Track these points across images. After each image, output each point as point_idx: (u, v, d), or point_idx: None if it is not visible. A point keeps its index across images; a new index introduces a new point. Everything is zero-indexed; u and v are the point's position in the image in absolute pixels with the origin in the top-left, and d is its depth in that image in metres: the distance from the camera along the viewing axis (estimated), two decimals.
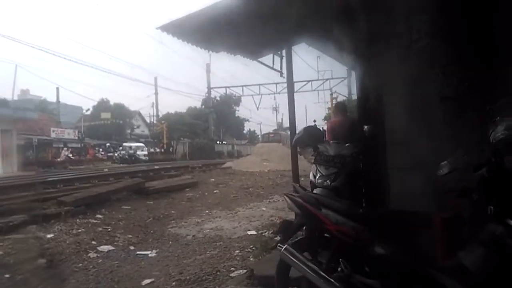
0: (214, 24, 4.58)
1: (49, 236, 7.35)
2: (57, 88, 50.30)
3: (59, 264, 6.04)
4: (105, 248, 6.96)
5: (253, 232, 7.68)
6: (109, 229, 8.21)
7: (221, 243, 7.08)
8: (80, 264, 6.07)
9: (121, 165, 34.13)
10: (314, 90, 34.33)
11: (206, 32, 4.92)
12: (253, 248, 6.31)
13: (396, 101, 3.29)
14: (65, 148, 44.11)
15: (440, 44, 3.05)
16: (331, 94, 32.95)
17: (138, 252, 6.78)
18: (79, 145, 45.83)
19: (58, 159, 38.99)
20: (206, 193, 13.80)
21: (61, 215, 8.49)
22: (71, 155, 42.37)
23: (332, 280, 2.74)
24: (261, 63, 6.58)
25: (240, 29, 4.75)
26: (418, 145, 3.12)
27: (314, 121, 6.26)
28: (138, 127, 61.93)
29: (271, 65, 6.46)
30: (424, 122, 3.11)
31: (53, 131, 44.89)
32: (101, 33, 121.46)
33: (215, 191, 14.27)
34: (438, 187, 2.89)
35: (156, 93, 53.79)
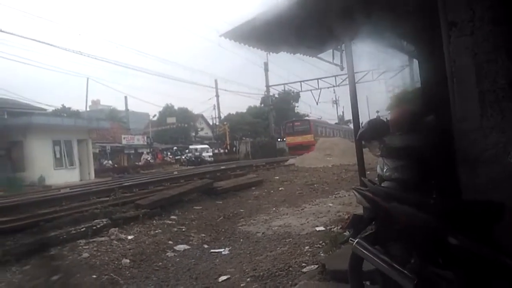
0: (273, 26, 4.70)
1: (129, 237, 7.85)
2: (125, 97, 53.21)
3: (141, 264, 6.47)
4: (181, 247, 7.34)
5: (322, 228, 7.73)
6: (183, 229, 8.63)
7: (291, 239, 7.20)
8: (160, 263, 6.46)
9: (189, 167, 35.29)
10: (375, 80, 33.44)
11: (266, 34, 5.06)
12: (323, 243, 6.37)
13: (463, 89, 3.23)
14: (145, 152, 46.55)
15: (505, 29, 2.97)
16: (390, 85, 31.87)
17: (212, 250, 7.10)
18: (148, 150, 48.07)
19: (139, 163, 41.18)
20: (272, 191, 13.99)
21: (139, 217, 9.01)
22: (150, 158, 44.64)
23: (406, 272, 2.76)
24: (321, 59, 6.62)
25: (299, 28, 4.84)
26: (488, 133, 3.04)
27: (377, 112, 6.19)
28: (202, 129, 63.76)
29: (331, 60, 6.48)
30: (493, 109, 3.03)
31: (124, 138, 47.49)
32: (162, 41, 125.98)
33: (280, 189, 14.42)
34: (510, 174, 2.82)
35: (217, 95, 55.00)
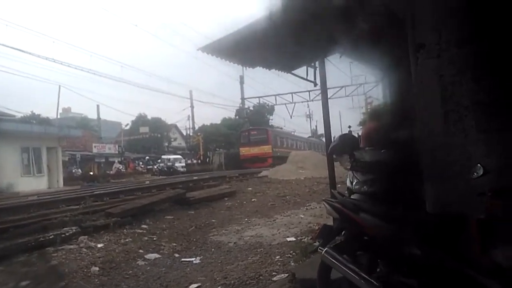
0: (250, 42, 4.84)
1: (99, 245, 7.78)
2: (97, 106, 52.34)
3: (111, 272, 6.42)
4: (152, 256, 7.31)
5: (293, 239, 7.85)
6: (154, 238, 8.59)
7: (262, 249, 7.29)
8: (130, 271, 6.43)
9: (161, 177, 34.98)
10: (348, 96, 34.14)
11: (243, 50, 5.20)
12: (293, 253, 6.49)
13: (429, 108, 3.41)
14: (116, 161, 45.78)
15: (470, 52, 3.16)
16: (366, 99, 32.64)
17: (183, 259, 7.10)
18: (119, 159, 47.36)
19: (110, 172, 40.49)
20: (245, 202, 14.06)
21: (109, 226, 8.93)
22: (121, 167, 43.90)
23: (372, 280, 2.89)
24: (295, 75, 6.80)
25: (274, 45, 4.99)
26: (452, 151, 3.22)
27: (349, 127, 6.42)
28: (175, 139, 63.34)
29: (305, 76, 6.67)
30: (457, 127, 3.21)
31: (95, 146, 46.67)
32: (140, 52, 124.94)
33: (253, 200, 14.51)
34: (472, 189, 2.99)
35: (192, 106, 55.02)
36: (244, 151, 43.67)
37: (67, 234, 8.03)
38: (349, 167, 3.87)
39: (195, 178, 23.99)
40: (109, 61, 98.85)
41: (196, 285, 5.48)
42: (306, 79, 6.67)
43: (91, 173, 38.90)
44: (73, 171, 39.46)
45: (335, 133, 5.77)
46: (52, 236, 7.73)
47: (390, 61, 4.59)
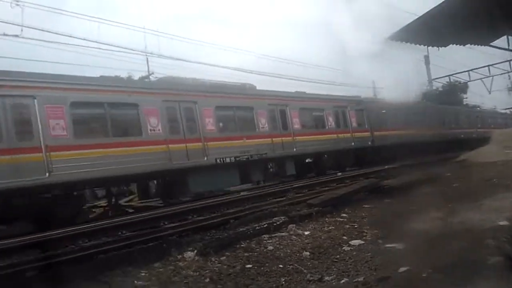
0: (440, 21, 4.76)
1: (306, 233, 8.50)
2: None
3: (320, 256, 6.99)
4: (356, 242, 7.65)
5: (505, 223, 7.22)
6: (355, 226, 8.95)
7: (470, 234, 6.90)
8: (338, 256, 6.88)
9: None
10: None
11: (433, 29, 5.12)
12: (508, 236, 6.02)
13: None
14: None
15: None
16: None
17: (386, 245, 7.23)
18: None
19: None
20: (445, 188, 13.29)
21: (312, 215, 9.67)
22: None
23: None
24: (495, 46, 6.31)
25: (469, 19, 4.79)
26: None
27: None
28: None
29: (506, 46, 6.12)
30: None
31: None
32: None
33: (454, 185, 13.60)
34: None
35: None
36: None
37: (277, 223, 9.00)
38: None
39: (385, 167, 23.47)
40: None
41: (405, 268, 5.58)
42: (509, 49, 6.12)
43: None
44: None
45: None
46: (266, 225, 8.79)
47: None
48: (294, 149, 20.82)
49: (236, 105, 18.87)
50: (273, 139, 19.75)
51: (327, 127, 23.50)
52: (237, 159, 17.76)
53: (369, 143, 26.17)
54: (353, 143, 24.89)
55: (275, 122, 20.27)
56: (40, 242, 8.48)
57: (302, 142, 21.19)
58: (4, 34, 16.26)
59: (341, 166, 24.36)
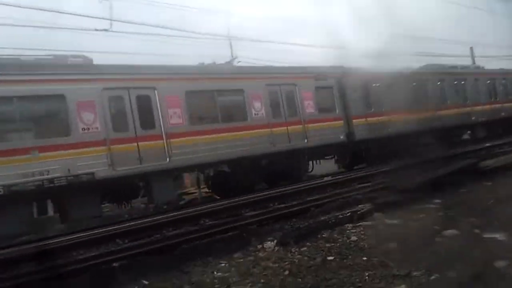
0: None
1: (394, 222, 7.97)
2: None
3: (408, 248, 6.43)
4: (449, 232, 6.97)
5: None
6: (449, 213, 8.19)
7: None
8: (429, 248, 6.28)
9: None
10: None
11: None
12: None
13: None
14: None
15: None
16: None
17: (485, 236, 6.52)
18: None
19: None
20: None
21: (401, 202, 9.02)
22: None
23: None
24: None
25: None
26: None
27: None
28: None
29: None
30: None
31: None
32: None
33: None
34: None
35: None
36: None
37: (362, 211, 8.54)
38: None
39: (487, 145, 21.54)
40: None
41: (504, 262, 4.97)
42: None
43: None
44: None
45: None
46: (349, 213, 8.38)
47: None
48: None
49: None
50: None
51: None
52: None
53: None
54: None
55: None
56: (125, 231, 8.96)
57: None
58: (95, 30, 17.26)
59: None
